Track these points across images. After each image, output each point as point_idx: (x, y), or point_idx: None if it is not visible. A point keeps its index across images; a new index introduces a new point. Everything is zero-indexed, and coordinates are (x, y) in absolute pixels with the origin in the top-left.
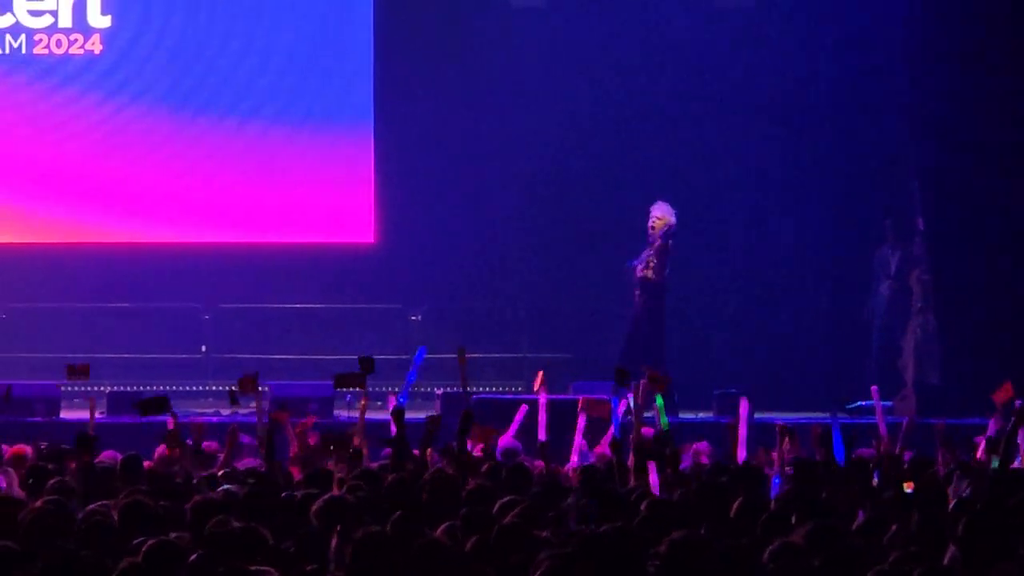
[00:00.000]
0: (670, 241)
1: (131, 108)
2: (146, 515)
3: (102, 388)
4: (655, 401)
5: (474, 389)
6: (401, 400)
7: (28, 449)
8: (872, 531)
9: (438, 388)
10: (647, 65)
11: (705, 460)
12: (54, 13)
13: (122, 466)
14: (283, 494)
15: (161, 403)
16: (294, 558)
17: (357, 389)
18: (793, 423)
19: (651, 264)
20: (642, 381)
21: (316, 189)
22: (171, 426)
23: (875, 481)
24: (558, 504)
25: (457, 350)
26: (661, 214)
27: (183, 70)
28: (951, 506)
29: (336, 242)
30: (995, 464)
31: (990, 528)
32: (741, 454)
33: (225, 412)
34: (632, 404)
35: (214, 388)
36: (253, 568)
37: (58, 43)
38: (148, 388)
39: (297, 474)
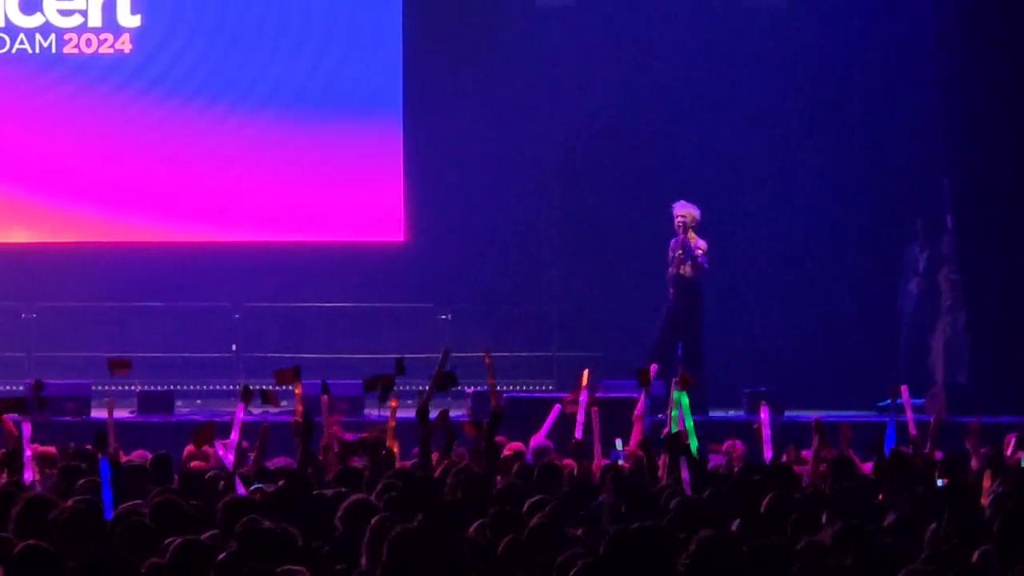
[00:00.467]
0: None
1: (161, 107)
2: (178, 514)
3: (132, 387)
4: (678, 399)
5: (503, 388)
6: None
7: (53, 450)
8: (904, 530)
9: (468, 387)
10: (677, 64)
11: (738, 459)
12: (84, 13)
13: (152, 465)
14: (313, 492)
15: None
16: (325, 558)
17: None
18: (824, 421)
19: (685, 260)
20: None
21: (347, 188)
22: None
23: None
24: (589, 503)
25: (484, 351)
26: (685, 211)
27: (212, 69)
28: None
29: (366, 240)
30: None
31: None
32: (767, 453)
33: (256, 411)
34: (647, 402)
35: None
36: (284, 567)
37: (88, 42)
38: (178, 387)
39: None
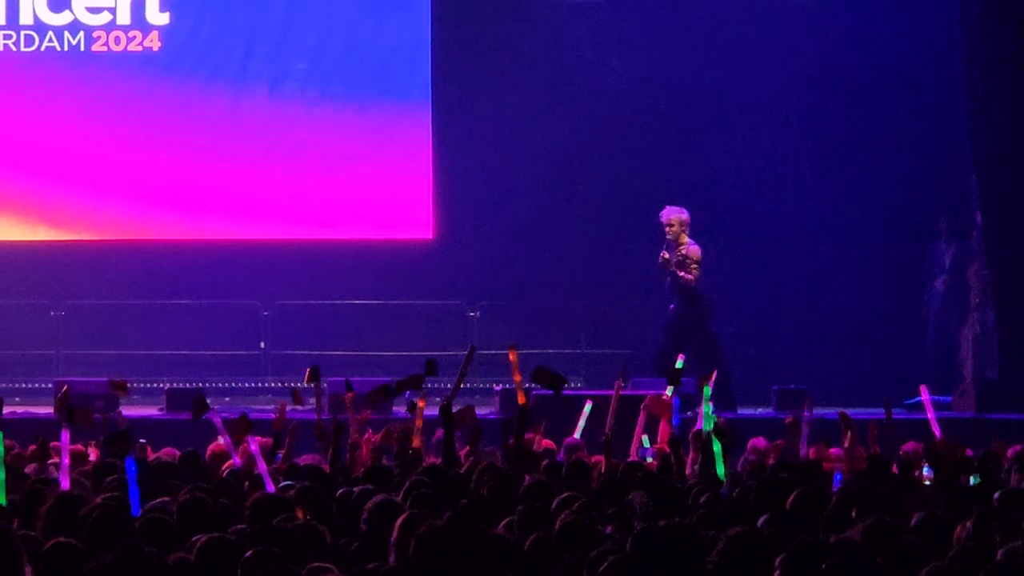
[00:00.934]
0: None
1: (188, 106)
2: (205, 512)
3: (161, 384)
4: (707, 396)
5: (531, 385)
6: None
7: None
8: (931, 528)
9: (496, 384)
10: (704, 60)
11: (768, 456)
12: (112, 10)
13: (180, 462)
14: (340, 491)
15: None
16: (353, 556)
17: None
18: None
19: (683, 269)
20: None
21: (375, 186)
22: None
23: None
24: (619, 500)
25: (508, 347)
26: (671, 218)
27: (239, 67)
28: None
29: (395, 238)
30: None
31: None
32: (803, 450)
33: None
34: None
35: (273, 385)
36: (312, 565)
37: (116, 40)
38: (207, 385)
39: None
